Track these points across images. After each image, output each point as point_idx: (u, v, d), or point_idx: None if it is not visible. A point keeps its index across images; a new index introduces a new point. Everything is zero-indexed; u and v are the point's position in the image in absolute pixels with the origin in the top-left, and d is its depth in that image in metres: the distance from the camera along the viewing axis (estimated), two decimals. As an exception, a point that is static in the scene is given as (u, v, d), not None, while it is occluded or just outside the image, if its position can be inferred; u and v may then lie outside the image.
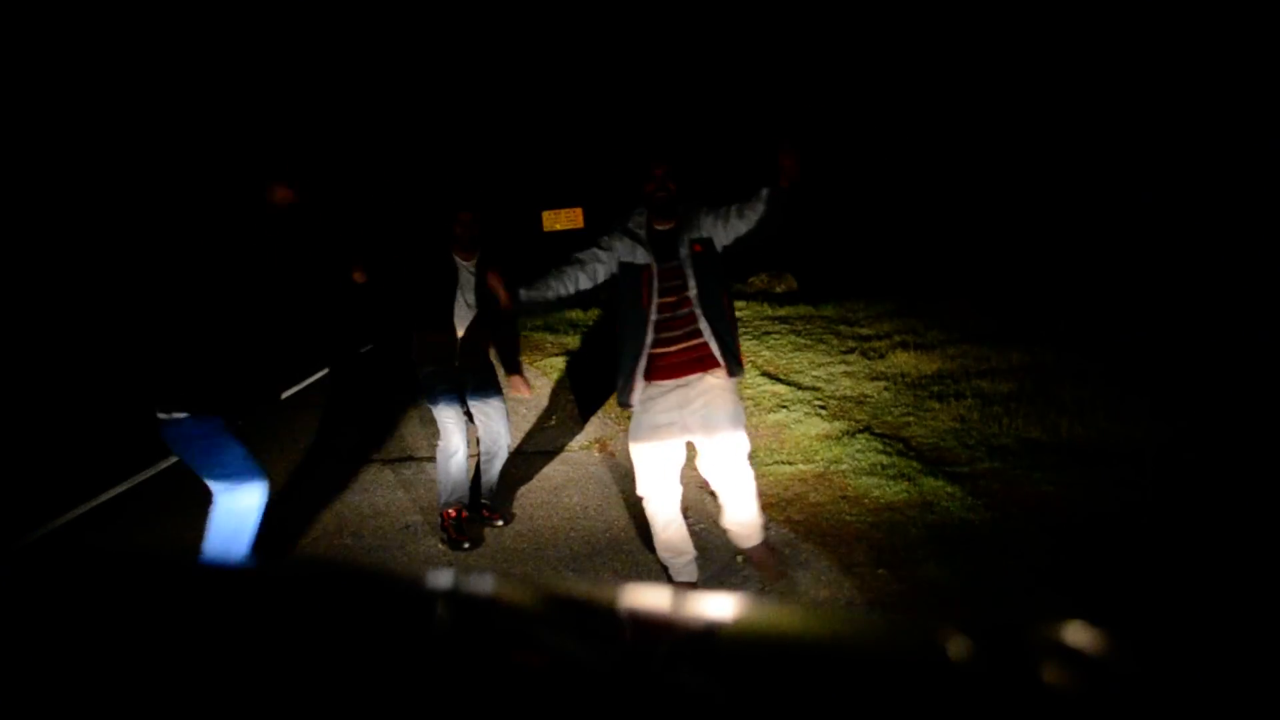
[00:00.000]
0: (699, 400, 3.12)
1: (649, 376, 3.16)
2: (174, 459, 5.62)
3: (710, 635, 0.88)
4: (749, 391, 6.08)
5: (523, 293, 3.23)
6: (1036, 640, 0.79)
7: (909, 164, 13.60)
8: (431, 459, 5.46)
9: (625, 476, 4.97)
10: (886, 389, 5.83)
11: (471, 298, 4.01)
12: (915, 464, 4.34)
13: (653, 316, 3.10)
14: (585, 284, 3.24)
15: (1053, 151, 12.43)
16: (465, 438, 4.03)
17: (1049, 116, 12.72)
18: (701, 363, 3.14)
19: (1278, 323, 6.46)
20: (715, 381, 3.13)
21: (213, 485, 3.04)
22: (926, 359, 6.47)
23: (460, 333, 4.01)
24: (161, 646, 0.77)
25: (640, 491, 3.29)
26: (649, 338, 3.12)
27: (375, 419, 6.55)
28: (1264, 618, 2.82)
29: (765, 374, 6.52)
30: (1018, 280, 9.29)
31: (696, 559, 3.39)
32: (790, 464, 4.47)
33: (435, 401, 4.01)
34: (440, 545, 4.15)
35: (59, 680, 0.69)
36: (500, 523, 4.31)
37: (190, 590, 0.96)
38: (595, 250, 3.24)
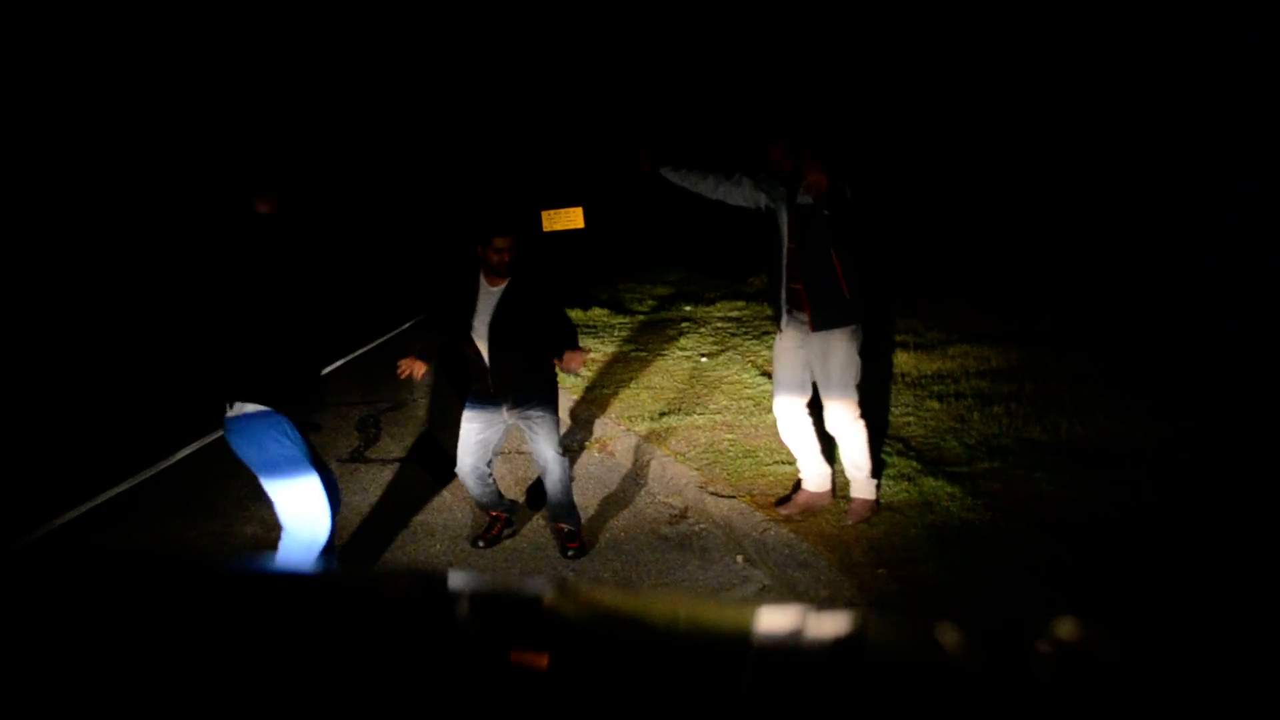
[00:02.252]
0: (818, 342, 3.73)
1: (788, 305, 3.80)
2: (174, 458, 5.63)
3: (711, 635, 0.88)
4: (749, 392, 6.08)
5: (665, 170, 3.83)
6: (1035, 638, 0.79)
7: (909, 163, 13.61)
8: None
9: (625, 476, 4.97)
10: (886, 389, 5.83)
11: (493, 323, 3.68)
12: (915, 464, 4.35)
13: (785, 258, 3.73)
14: (724, 194, 3.87)
15: (1056, 151, 12.42)
16: (479, 456, 3.83)
17: (1054, 115, 12.71)
18: (799, 304, 3.74)
19: (1277, 322, 6.46)
20: (837, 330, 3.69)
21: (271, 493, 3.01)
22: (926, 359, 6.47)
23: (485, 353, 3.72)
24: (162, 646, 0.77)
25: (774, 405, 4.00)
26: (784, 273, 3.75)
27: (375, 421, 6.56)
28: (1263, 617, 2.82)
29: (765, 374, 6.51)
30: (1018, 280, 9.28)
31: (830, 466, 4.01)
32: (790, 464, 4.46)
33: (464, 412, 3.87)
34: (438, 546, 4.16)
35: (59, 680, 0.69)
36: (572, 554, 3.95)
37: (190, 590, 0.96)
38: (750, 181, 3.83)
